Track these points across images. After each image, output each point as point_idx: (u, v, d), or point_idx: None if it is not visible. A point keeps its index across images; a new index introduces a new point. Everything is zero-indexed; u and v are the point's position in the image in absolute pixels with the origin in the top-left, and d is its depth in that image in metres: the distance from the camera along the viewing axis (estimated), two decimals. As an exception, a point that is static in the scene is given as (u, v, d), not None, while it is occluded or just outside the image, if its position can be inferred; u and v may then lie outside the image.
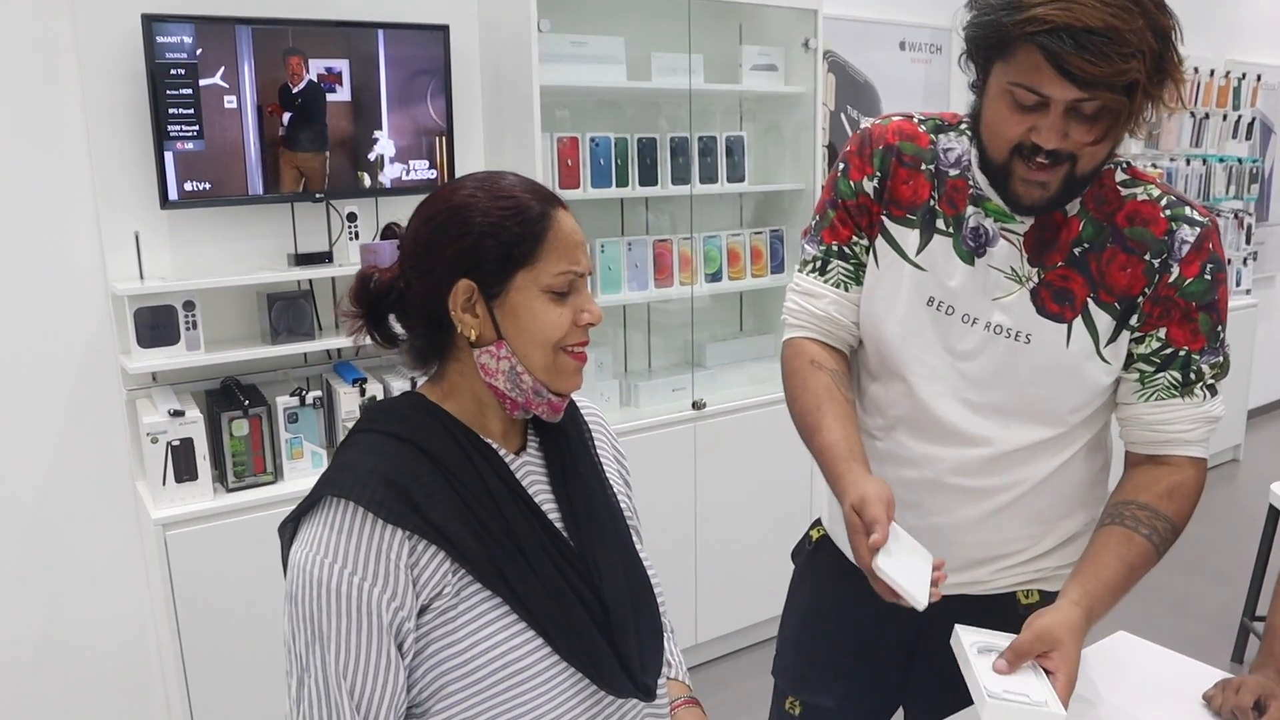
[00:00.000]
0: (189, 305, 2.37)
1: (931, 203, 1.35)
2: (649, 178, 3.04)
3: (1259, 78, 5.22)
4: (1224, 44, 5.12)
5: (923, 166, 1.36)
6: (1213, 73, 4.83)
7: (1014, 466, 1.36)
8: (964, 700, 1.35)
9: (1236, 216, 5.19)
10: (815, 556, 1.59)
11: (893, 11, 3.83)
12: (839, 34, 3.57)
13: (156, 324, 2.34)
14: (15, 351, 2.37)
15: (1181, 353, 1.31)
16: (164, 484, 2.33)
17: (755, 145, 3.39)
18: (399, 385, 2.61)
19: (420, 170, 2.70)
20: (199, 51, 2.33)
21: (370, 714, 0.97)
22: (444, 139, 2.71)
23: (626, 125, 3.12)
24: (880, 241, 1.39)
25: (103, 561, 2.54)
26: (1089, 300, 1.30)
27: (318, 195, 2.55)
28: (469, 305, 1.05)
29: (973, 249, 1.33)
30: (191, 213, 2.48)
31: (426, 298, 1.05)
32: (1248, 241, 5.25)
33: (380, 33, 2.56)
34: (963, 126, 1.37)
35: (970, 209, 1.33)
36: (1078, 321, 1.31)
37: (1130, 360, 1.33)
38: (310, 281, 2.63)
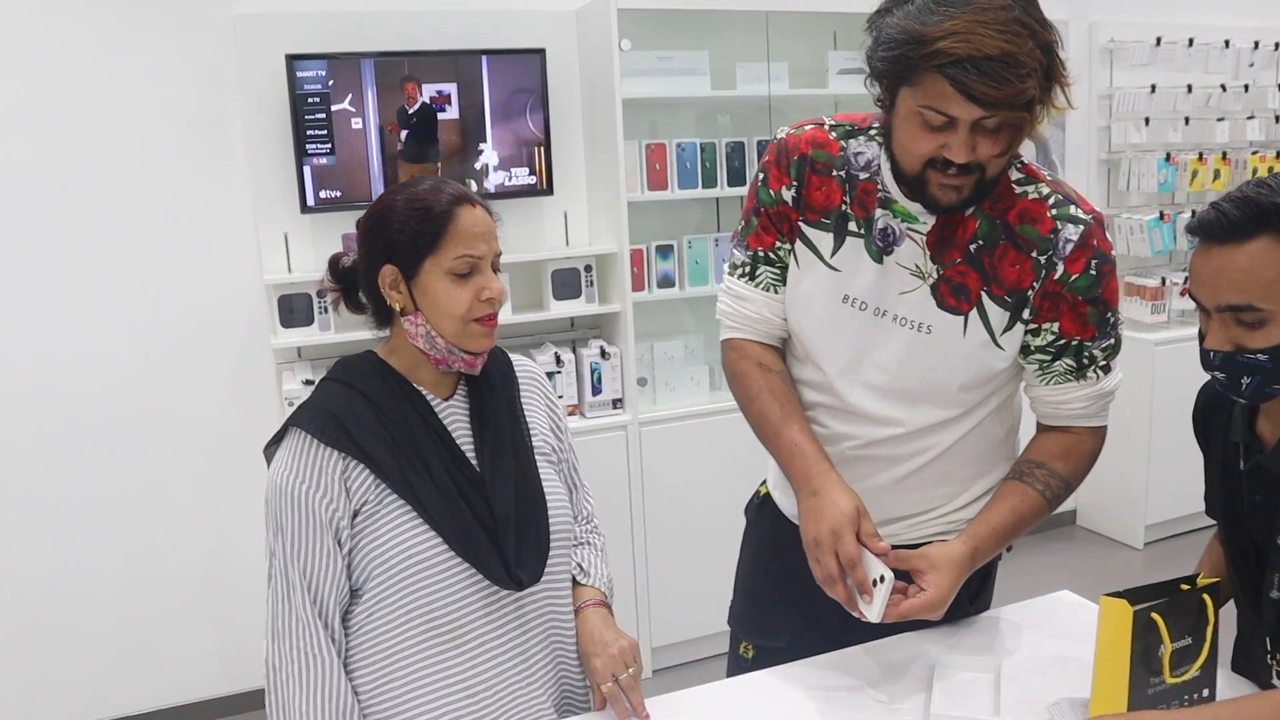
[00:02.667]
0: (322, 293, 2.85)
1: (843, 207, 1.48)
2: (738, 179, 3.29)
3: None
4: None
5: (834, 173, 1.49)
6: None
7: (920, 438, 1.53)
8: (902, 630, 1.54)
9: None
10: (761, 511, 1.79)
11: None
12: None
13: (295, 308, 2.83)
14: (191, 330, 2.94)
15: (1074, 342, 1.45)
16: (299, 441, 2.81)
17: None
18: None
19: (521, 176, 3.07)
20: (331, 83, 2.80)
21: (315, 587, 1.32)
22: (543, 148, 3.07)
23: (718, 131, 3.38)
24: (799, 245, 1.53)
25: (257, 505, 3.06)
26: (983, 294, 1.44)
27: (431, 200, 2.97)
28: (394, 284, 1.37)
29: (881, 248, 1.46)
30: (328, 216, 2.96)
31: (368, 277, 1.40)
32: None
33: (484, 58, 2.95)
34: (873, 131, 1.48)
35: (879, 211, 1.46)
36: (973, 314, 1.44)
37: (1029, 351, 1.47)
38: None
